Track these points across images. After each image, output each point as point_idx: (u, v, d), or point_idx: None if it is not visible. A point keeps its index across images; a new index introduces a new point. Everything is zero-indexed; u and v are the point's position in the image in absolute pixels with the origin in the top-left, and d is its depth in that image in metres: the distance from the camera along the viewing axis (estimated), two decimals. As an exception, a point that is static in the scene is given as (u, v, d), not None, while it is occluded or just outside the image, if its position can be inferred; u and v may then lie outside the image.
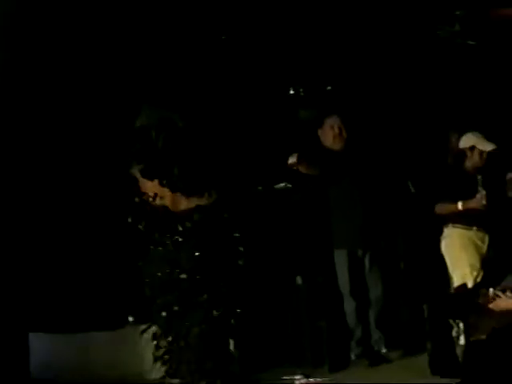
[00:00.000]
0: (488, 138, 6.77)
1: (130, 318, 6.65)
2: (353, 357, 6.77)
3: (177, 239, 4.70)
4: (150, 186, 4.69)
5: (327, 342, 6.78)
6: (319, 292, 6.84)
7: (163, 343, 4.88)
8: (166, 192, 4.64)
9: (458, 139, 7.08)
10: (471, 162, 6.76)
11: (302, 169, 6.68)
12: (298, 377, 6.54)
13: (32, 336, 6.83)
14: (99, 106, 6.82)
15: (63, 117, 6.97)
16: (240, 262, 5.04)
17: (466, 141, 6.78)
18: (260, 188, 6.85)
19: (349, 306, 6.77)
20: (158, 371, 6.75)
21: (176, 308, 4.83)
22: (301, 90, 7.41)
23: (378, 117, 7.32)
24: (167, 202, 4.70)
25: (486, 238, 6.57)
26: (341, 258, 6.78)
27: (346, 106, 7.19)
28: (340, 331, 6.76)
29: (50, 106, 6.96)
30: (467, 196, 6.60)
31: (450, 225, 6.70)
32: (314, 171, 6.75)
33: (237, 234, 5.01)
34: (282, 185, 6.77)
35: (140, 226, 4.71)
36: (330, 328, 6.78)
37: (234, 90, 6.64)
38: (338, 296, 6.78)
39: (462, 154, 6.78)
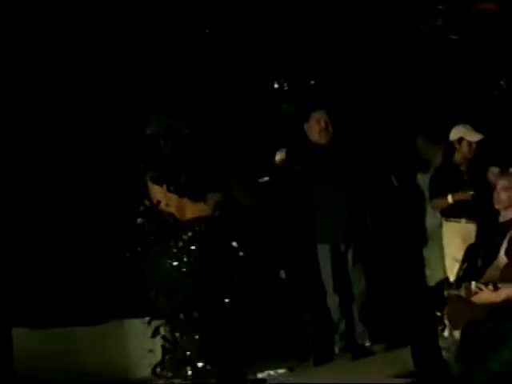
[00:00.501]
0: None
1: None
2: (337, 350, 6.79)
3: (181, 246, 4.74)
4: (156, 192, 4.73)
5: (312, 335, 6.80)
6: (303, 286, 6.85)
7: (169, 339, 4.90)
8: (172, 199, 4.68)
9: (425, 140, 7.17)
10: (460, 153, 6.82)
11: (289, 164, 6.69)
12: (282, 371, 6.56)
13: (15, 331, 6.81)
14: (110, 111, 6.89)
15: (75, 122, 7.02)
16: (243, 270, 5.12)
17: (455, 133, 6.84)
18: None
19: (332, 300, 6.79)
20: (142, 367, 6.76)
21: (179, 306, 4.86)
22: (285, 83, 7.42)
23: (362, 111, 7.34)
24: (172, 209, 4.75)
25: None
26: (324, 253, 6.80)
27: (331, 100, 7.20)
28: (324, 325, 6.78)
29: (61, 113, 7.00)
30: (458, 188, 6.67)
31: (444, 219, 6.77)
32: (299, 166, 6.76)
33: (235, 244, 5.06)
34: (266, 179, 6.77)
35: (152, 227, 4.75)
36: (314, 322, 6.80)
37: (221, 86, 6.67)
38: (322, 290, 6.80)
39: (452, 146, 6.85)
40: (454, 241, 6.68)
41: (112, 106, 6.95)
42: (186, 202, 4.70)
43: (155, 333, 5.20)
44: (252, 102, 7.22)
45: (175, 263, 4.76)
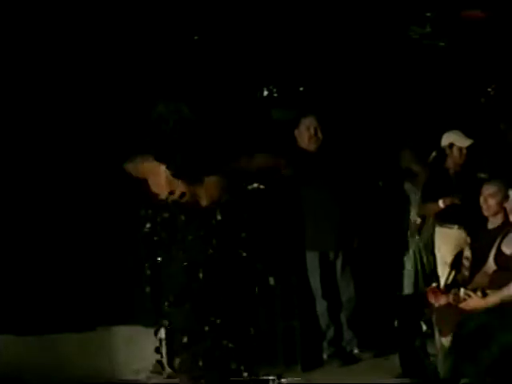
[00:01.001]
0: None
1: None
2: (325, 357, 6.78)
3: (201, 235, 4.62)
4: (155, 176, 4.62)
5: (300, 342, 6.78)
6: (292, 292, 6.83)
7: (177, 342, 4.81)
8: (178, 186, 4.58)
9: (411, 156, 7.21)
10: (451, 159, 6.86)
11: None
12: (271, 377, 6.52)
13: (0, 338, 6.76)
14: (114, 107, 6.85)
15: (80, 114, 6.96)
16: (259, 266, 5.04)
17: (445, 139, 6.89)
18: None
19: (321, 307, 6.78)
20: (129, 374, 6.73)
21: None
22: (274, 90, 7.43)
23: (351, 117, 7.35)
24: (187, 198, 4.64)
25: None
26: (312, 260, 6.79)
27: (320, 106, 7.22)
28: (313, 331, 6.76)
29: (63, 113, 6.94)
30: (449, 194, 6.71)
31: (437, 224, 6.80)
32: (288, 172, 6.75)
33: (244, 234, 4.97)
34: (255, 185, 6.76)
35: (180, 221, 4.61)
36: (302, 328, 6.78)
37: (211, 93, 6.68)
38: (310, 296, 6.79)
39: (443, 152, 6.89)
40: (445, 247, 6.70)
41: (116, 103, 6.87)
42: (198, 188, 4.57)
43: (167, 339, 5.08)
44: (242, 108, 7.22)
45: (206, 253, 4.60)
